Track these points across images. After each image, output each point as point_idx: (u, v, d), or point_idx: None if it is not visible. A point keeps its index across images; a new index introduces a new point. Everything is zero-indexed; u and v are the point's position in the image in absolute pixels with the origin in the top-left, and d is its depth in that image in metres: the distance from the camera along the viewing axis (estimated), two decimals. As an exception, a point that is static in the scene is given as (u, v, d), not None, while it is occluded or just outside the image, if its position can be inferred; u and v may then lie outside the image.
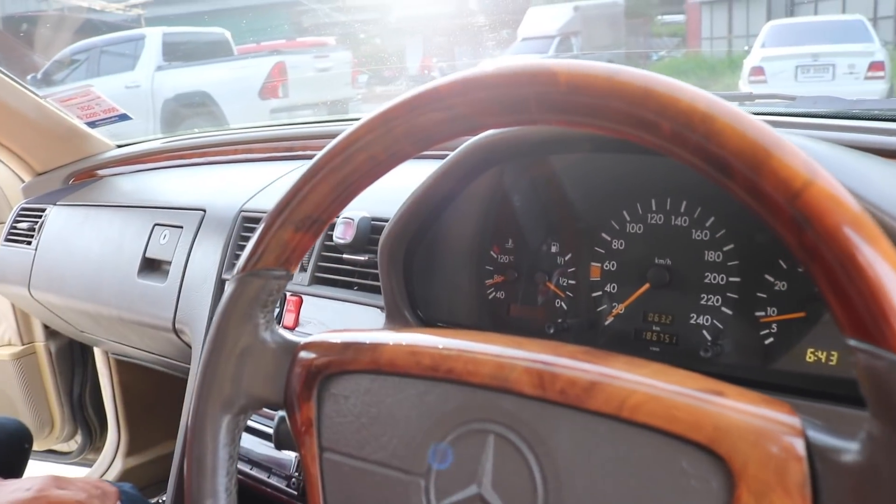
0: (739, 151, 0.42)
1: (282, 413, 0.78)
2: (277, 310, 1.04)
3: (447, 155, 0.84)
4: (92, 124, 1.78)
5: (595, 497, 0.47)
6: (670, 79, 0.46)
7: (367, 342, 0.58)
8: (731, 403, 0.45)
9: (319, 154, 0.58)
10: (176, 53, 9.37)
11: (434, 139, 0.55)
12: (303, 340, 0.62)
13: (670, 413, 0.45)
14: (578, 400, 0.48)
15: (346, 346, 0.59)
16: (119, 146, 1.84)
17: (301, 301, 1.04)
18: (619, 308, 0.81)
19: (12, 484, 1.05)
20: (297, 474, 0.94)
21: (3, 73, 1.61)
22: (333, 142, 0.58)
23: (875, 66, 7.58)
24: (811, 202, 0.40)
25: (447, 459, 0.53)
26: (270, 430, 0.99)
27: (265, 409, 1.00)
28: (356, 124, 0.57)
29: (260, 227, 0.62)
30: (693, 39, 15.89)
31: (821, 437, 0.43)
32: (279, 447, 0.76)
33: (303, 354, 0.61)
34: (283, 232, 0.60)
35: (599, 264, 0.83)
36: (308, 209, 0.59)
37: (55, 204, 1.65)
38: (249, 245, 0.62)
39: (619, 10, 14.28)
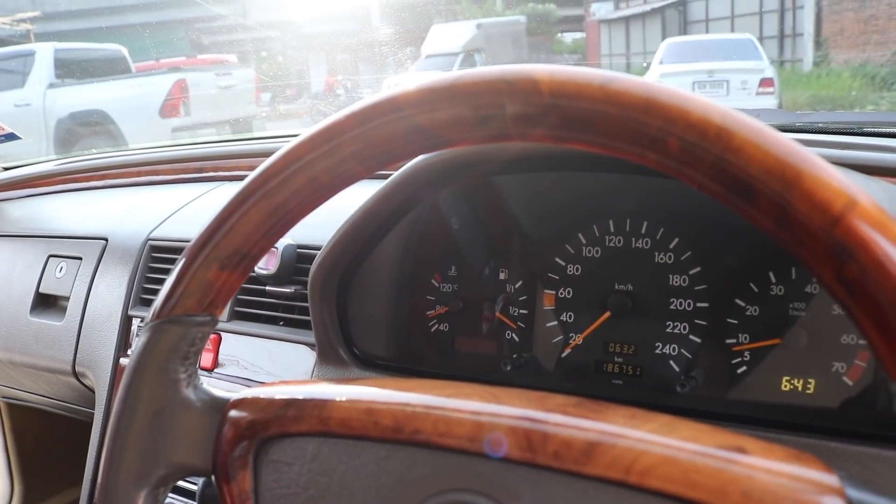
0: (764, 171, 0.36)
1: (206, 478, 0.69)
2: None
3: (387, 176, 0.76)
4: (-25, 145, 1.62)
5: (598, 580, 0.40)
6: (674, 87, 0.40)
7: (313, 398, 0.49)
8: (759, 462, 0.38)
9: (250, 177, 0.50)
10: (69, 70, 9.03)
11: (389, 158, 0.47)
12: (233, 396, 0.53)
13: (688, 477, 0.38)
14: (576, 464, 0.40)
15: (288, 404, 0.50)
16: (6, 168, 1.68)
17: (220, 339, 0.93)
18: (578, 339, 0.75)
19: None
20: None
21: None
22: (267, 162, 0.49)
23: (765, 82, 7.91)
24: (854, 229, 0.34)
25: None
26: (193, 488, 0.89)
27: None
28: (295, 141, 0.48)
29: (178, 266, 0.52)
30: (593, 56, 16.29)
31: (862, 497, 0.37)
32: (204, 514, 0.66)
33: (234, 413, 0.52)
34: (205, 270, 0.51)
35: (554, 291, 0.76)
36: (235, 243, 0.50)
37: (-67, 233, 1.49)
38: (166, 287, 0.52)
39: (520, 27, 14.50)
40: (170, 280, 0.52)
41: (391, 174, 0.75)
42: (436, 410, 0.45)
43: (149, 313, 0.52)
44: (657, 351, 0.72)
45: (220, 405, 0.53)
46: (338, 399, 0.48)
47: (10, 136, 1.62)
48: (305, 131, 0.48)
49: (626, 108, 0.38)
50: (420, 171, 0.74)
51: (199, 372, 0.55)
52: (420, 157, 0.74)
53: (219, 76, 10.06)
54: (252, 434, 0.50)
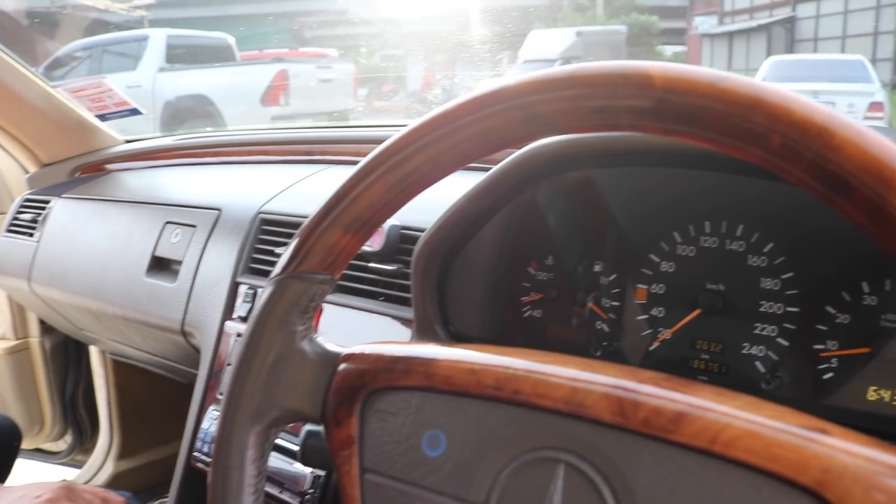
0: (862, 169, 0.38)
1: (309, 427, 0.74)
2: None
3: (489, 168, 0.80)
4: (102, 117, 1.74)
5: (679, 539, 0.43)
6: (780, 88, 0.42)
7: (420, 356, 0.53)
8: (840, 444, 0.40)
9: (376, 151, 0.54)
10: (179, 56, 9.36)
11: (506, 142, 0.51)
12: (345, 350, 0.58)
13: (771, 451, 0.41)
14: (664, 431, 0.43)
15: (396, 360, 0.54)
16: (128, 141, 1.79)
17: (321, 309, 0.99)
18: (666, 333, 0.77)
19: (20, 489, 1.01)
20: (311, 491, 0.90)
21: (14, 60, 1.57)
22: (392, 139, 0.54)
23: (874, 106, 7.63)
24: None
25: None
26: (285, 443, 0.95)
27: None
28: (419, 121, 0.53)
29: (304, 227, 0.57)
30: (693, 70, 15.96)
31: None
32: (305, 463, 0.71)
33: (345, 366, 0.57)
34: (330, 233, 0.56)
35: (646, 286, 0.79)
36: (359, 210, 0.55)
37: (60, 196, 1.60)
38: (291, 246, 0.58)
39: (620, 37, 14.37)
40: (295, 240, 0.57)
41: (490, 167, 0.79)
42: (535, 374, 0.48)
43: (276, 269, 0.58)
44: (744, 351, 0.73)
45: (333, 358, 0.58)
46: (443, 358, 0.52)
47: (134, 111, 1.73)
48: (430, 113, 0.53)
49: (734, 105, 0.41)
50: (526, 162, 0.77)
51: (322, 339, 0.60)
52: (527, 148, 0.78)
53: (319, 69, 10.27)
54: (361, 385, 0.55)
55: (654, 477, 0.44)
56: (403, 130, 0.53)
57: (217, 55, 9.98)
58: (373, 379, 0.55)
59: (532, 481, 0.47)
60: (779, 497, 0.41)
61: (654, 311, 0.78)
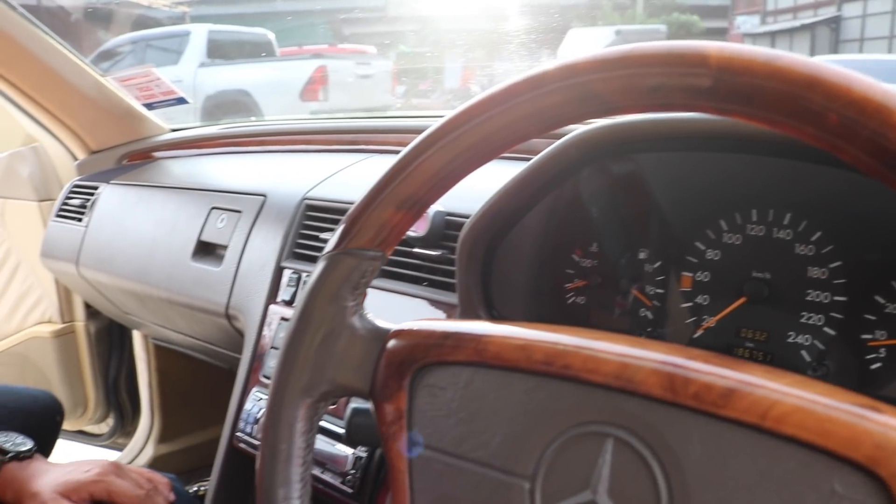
0: None
1: (355, 405, 0.75)
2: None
3: (530, 157, 0.81)
4: (149, 106, 1.77)
5: (727, 513, 0.43)
6: (837, 66, 0.42)
7: (470, 332, 0.54)
8: (893, 421, 0.40)
9: (430, 129, 0.55)
10: (220, 51, 9.46)
11: (560, 121, 0.51)
12: (395, 327, 0.59)
13: (822, 426, 0.41)
14: (714, 406, 0.44)
15: (446, 336, 0.55)
16: (174, 130, 1.83)
17: (365, 293, 1.00)
18: (711, 321, 0.77)
19: (69, 465, 1.04)
20: (353, 472, 0.91)
21: (67, 49, 1.60)
22: (445, 118, 0.54)
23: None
24: None
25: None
26: (327, 425, 0.96)
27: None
28: (474, 100, 0.53)
29: (357, 204, 0.58)
30: (735, 70, 15.78)
31: None
32: (351, 442, 0.73)
33: (395, 342, 0.58)
34: (382, 211, 0.57)
35: (691, 274, 0.79)
36: (411, 188, 0.56)
37: (108, 182, 1.63)
38: (343, 222, 0.59)
39: (660, 36, 14.25)
40: (348, 217, 0.58)
41: (531, 157, 0.79)
42: (585, 350, 0.49)
43: (328, 245, 0.59)
44: (789, 340, 0.73)
45: (382, 334, 0.59)
46: (493, 334, 0.53)
47: (181, 100, 1.76)
48: (483, 93, 0.53)
49: (790, 84, 0.41)
50: (571, 148, 0.78)
51: (372, 315, 0.61)
52: (573, 134, 0.78)
53: (358, 65, 10.30)
54: (411, 360, 0.56)
55: (703, 452, 0.44)
56: (457, 109, 0.54)
57: (257, 50, 10.07)
58: (423, 354, 0.56)
59: (580, 455, 0.48)
60: (830, 473, 0.41)
61: (699, 299, 0.78)
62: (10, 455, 1.04)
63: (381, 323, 0.60)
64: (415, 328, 0.57)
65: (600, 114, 0.50)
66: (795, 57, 0.43)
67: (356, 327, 0.59)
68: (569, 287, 0.86)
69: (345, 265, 0.58)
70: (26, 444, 1.06)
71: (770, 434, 0.42)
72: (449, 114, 0.54)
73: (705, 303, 0.78)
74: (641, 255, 0.82)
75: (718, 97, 0.44)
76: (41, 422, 1.23)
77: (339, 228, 0.59)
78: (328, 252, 0.59)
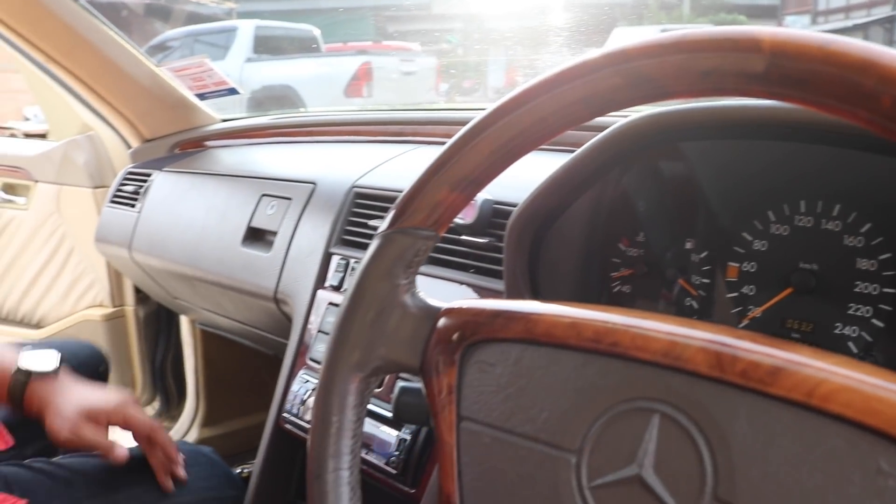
0: None
1: (403, 384, 0.77)
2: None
3: (576, 149, 0.82)
4: (201, 96, 1.81)
5: (772, 489, 0.44)
6: (889, 48, 0.43)
7: (521, 310, 0.56)
8: (941, 401, 0.41)
9: (484, 113, 0.57)
10: (266, 47, 9.56)
11: (613, 105, 0.52)
12: (446, 305, 0.60)
13: (869, 405, 0.42)
14: (761, 384, 0.44)
15: (497, 314, 0.56)
16: (224, 120, 1.86)
17: (417, 271, 1.02)
18: (756, 311, 0.78)
19: (91, 391, 1.11)
20: (397, 453, 0.93)
21: (124, 40, 1.65)
22: (500, 101, 0.56)
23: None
24: None
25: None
26: (374, 407, 0.98)
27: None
28: (528, 84, 0.54)
29: (411, 185, 0.60)
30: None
31: None
32: (398, 419, 0.74)
33: (445, 320, 0.59)
34: (436, 191, 0.59)
35: (738, 264, 0.79)
36: (465, 169, 0.58)
37: (161, 170, 1.67)
38: (399, 202, 0.60)
39: (708, 36, 14.03)
40: (403, 196, 0.60)
41: (574, 150, 0.80)
42: (634, 328, 0.50)
43: (383, 224, 0.61)
44: (836, 331, 0.73)
45: (434, 312, 0.60)
46: (544, 312, 0.54)
47: (232, 91, 1.79)
48: (539, 76, 0.55)
49: (843, 68, 0.42)
50: (619, 136, 0.79)
51: (423, 294, 0.62)
52: (621, 122, 0.79)
53: (402, 62, 10.33)
54: (461, 337, 0.57)
55: (749, 428, 0.45)
56: (511, 93, 0.55)
57: (303, 46, 10.15)
58: (473, 331, 0.57)
59: (626, 431, 0.49)
60: (876, 451, 0.41)
61: (745, 289, 0.79)
62: (36, 373, 1.10)
63: (433, 301, 0.61)
64: (465, 306, 0.59)
65: (652, 98, 0.51)
66: (849, 40, 0.43)
67: (408, 305, 0.61)
68: (614, 276, 0.86)
69: (399, 243, 0.60)
70: (52, 363, 1.12)
71: (816, 412, 0.43)
72: (503, 97, 0.56)
73: (751, 293, 0.78)
74: (688, 245, 0.82)
75: (771, 81, 0.45)
76: (86, 373, 1.28)
77: (394, 208, 0.61)
78: (383, 231, 0.61)
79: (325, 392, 0.61)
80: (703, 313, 0.81)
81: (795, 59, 0.43)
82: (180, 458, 1.12)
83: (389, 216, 0.61)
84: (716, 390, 0.46)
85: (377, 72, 9.54)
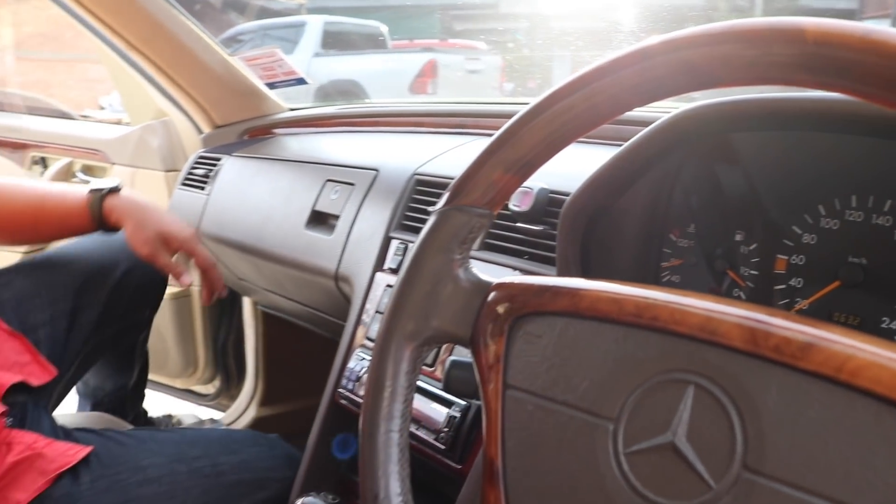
0: None
1: (454, 358, 0.80)
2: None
3: (620, 144, 0.84)
4: (271, 85, 1.87)
5: (800, 459, 0.46)
6: None
7: (567, 286, 0.58)
8: (968, 380, 0.43)
9: (538, 98, 0.59)
10: (334, 42, 9.67)
11: (662, 92, 0.55)
12: (496, 280, 0.63)
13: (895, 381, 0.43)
14: (793, 358, 0.47)
15: (544, 289, 0.59)
16: (291, 109, 1.92)
17: (471, 247, 1.06)
18: (803, 304, 0.79)
19: (164, 213, 1.31)
20: (446, 430, 0.96)
21: (200, 29, 1.71)
22: (555, 87, 0.59)
23: None
24: None
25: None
26: (424, 384, 1.02)
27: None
28: (582, 71, 0.57)
29: (469, 165, 0.63)
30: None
31: None
32: (448, 391, 0.78)
33: (496, 294, 0.62)
34: (492, 171, 0.62)
35: (786, 257, 0.80)
36: (521, 151, 0.61)
37: (230, 155, 1.73)
38: (456, 180, 0.64)
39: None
40: (460, 176, 0.63)
41: (621, 143, 0.83)
42: (673, 304, 0.52)
43: (440, 201, 0.64)
44: (883, 325, 0.74)
45: (485, 286, 0.63)
46: (588, 288, 0.57)
47: (301, 81, 1.85)
48: (592, 64, 0.57)
49: (885, 57, 0.44)
50: (672, 126, 0.80)
51: (475, 269, 0.66)
52: (674, 113, 0.81)
53: (467, 60, 10.35)
54: (510, 310, 0.60)
55: (780, 401, 0.47)
56: (567, 79, 0.58)
57: (370, 42, 10.25)
58: (522, 304, 0.60)
59: (662, 401, 0.51)
60: None
61: (793, 282, 0.80)
62: (107, 189, 1.27)
63: (485, 276, 0.64)
64: (515, 281, 0.62)
65: (700, 86, 0.53)
66: (890, 30, 0.45)
67: (461, 279, 0.64)
68: (664, 266, 0.88)
69: (455, 220, 0.63)
70: (116, 181, 1.29)
71: (845, 386, 0.45)
72: (557, 84, 0.59)
73: (799, 286, 0.80)
74: (737, 237, 0.84)
75: (815, 70, 0.47)
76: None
77: (451, 187, 0.64)
78: (440, 208, 0.64)
79: (381, 358, 0.65)
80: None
81: (838, 48, 0.45)
82: (225, 291, 1.36)
83: (447, 194, 0.64)
84: (749, 364, 0.48)
85: (442, 69, 9.58)
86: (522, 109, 0.61)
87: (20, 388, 1.11)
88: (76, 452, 1.06)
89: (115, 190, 1.29)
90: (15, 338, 1.18)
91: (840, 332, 0.47)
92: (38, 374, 1.17)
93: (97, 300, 1.33)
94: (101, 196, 1.27)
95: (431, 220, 0.64)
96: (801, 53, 0.47)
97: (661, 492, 0.50)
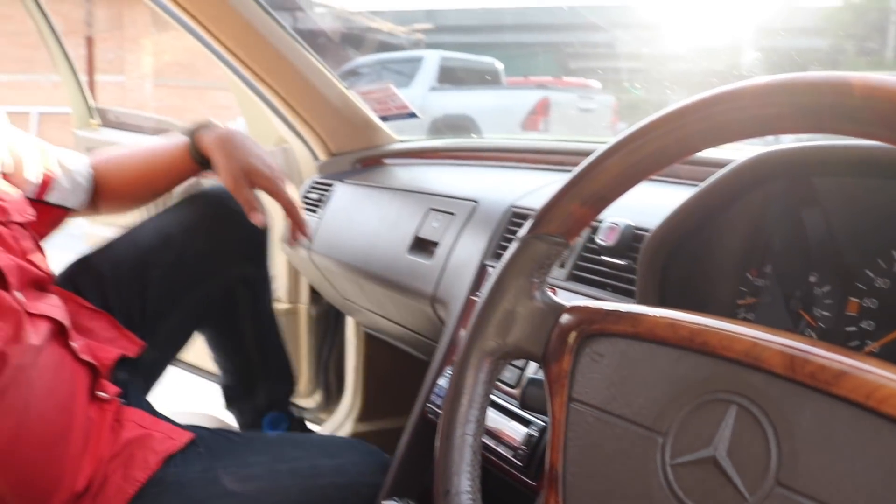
0: None
1: (531, 376, 0.87)
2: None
3: (695, 184, 0.88)
4: (383, 118, 1.98)
5: (829, 478, 0.50)
6: None
7: (630, 311, 0.64)
8: None
9: (616, 139, 0.66)
10: (449, 77, 9.88)
11: (725, 138, 0.61)
12: (568, 303, 0.70)
13: None
14: (826, 385, 0.51)
15: (609, 313, 0.65)
16: (402, 141, 2.03)
17: (555, 292, 1.11)
18: (874, 346, 0.81)
19: (259, 150, 1.37)
20: (524, 447, 1.02)
21: (320, 63, 1.84)
22: (631, 129, 0.65)
23: None
24: None
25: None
26: (503, 402, 1.08)
27: (502, 385, 1.09)
28: (655, 116, 0.64)
29: (550, 197, 0.70)
30: None
31: None
32: (524, 406, 0.84)
33: (567, 315, 0.69)
34: (570, 204, 0.69)
35: (859, 300, 0.83)
36: (596, 186, 0.67)
37: (342, 181, 1.85)
38: (537, 211, 0.71)
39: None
40: (541, 208, 0.70)
41: (695, 183, 0.87)
42: (723, 330, 0.58)
43: (522, 230, 0.71)
44: (951, 370, 0.76)
45: (558, 308, 0.70)
46: (648, 313, 0.63)
47: (412, 115, 1.96)
48: (664, 110, 0.64)
49: None
50: (750, 168, 0.85)
51: (550, 292, 0.72)
52: (752, 154, 0.85)
53: (581, 99, 10.37)
54: (579, 331, 0.67)
55: (813, 423, 0.52)
56: (641, 123, 0.65)
57: (484, 78, 10.41)
58: (589, 326, 0.66)
59: (707, 418, 0.57)
60: None
61: (864, 324, 0.83)
62: (198, 125, 1.35)
63: (558, 299, 0.71)
64: (584, 305, 0.68)
65: (759, 134, 0.59)
66: None
67: (537, 300, 0.71)
68: (740, 303, 0.92)
69: (534, 247, 0.70)
70: (208, 122, 1.36)
71: (873, 413, 0.49)
72: (631, 127, 0.65)
73: (870, 328, 0.82)
74: (812, 278, 0.87)
75: (862, 122, 0.52)
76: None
77: (533, 217, 0.71)
78: (522, 236, 0.71)
79: (461, 369, 0.72)
80: (821, 344, 0.85)
81: (884, 101, 0.50)
82: (309, 231, 1.43)
83: (529, 223, 0.71)
84: (787, 388, 0.53)
85: (555, 107, 9.63)
86: (600, 148, 0.67)
87: (120, 365, 1.21)
88: (181, 435, 1.16)
89: (206, 126, 1.35)
90: (100, 315, 1.27)
91: (873, 363, 0.51)
92: (129, 348, 1.25)
93: (165, 268, 1.38)
94: (193, 135, 1.34)
95: (514, 246, 0.72)
96: (849, 106, 0.52)
97: (701, 501, 0.55)
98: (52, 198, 1.29)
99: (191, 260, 1.40)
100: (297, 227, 1.43)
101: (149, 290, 1.37)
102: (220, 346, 1.63)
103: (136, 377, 1.28)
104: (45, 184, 1.27)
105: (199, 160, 1.36)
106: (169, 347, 1.46)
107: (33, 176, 1.24)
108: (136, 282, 1.36)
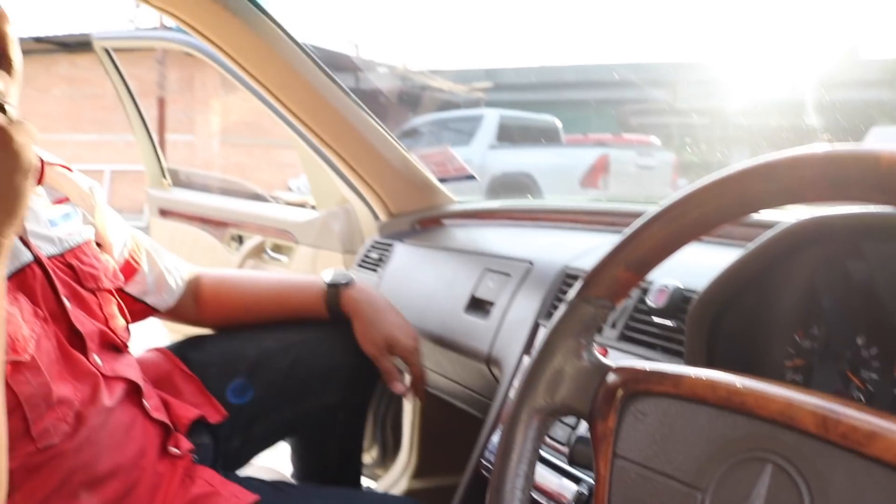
0: None
1: (579, 434, 0.90)
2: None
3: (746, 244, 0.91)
4: (442, 180, 2.05)
5: (861, 535, 0.52)
6: None
7: (672, 372, 0.68)
8: None
9: (659, 207, 0.70)
10: (508, 135, 10.00)
11: (759, 206, 0.64)
12: (615, 364, 0.73)
13: None
14: (858, 445, 0.54)
15: (652, 373, 0.69)
16: (460, 202, 2.09)
17: (606, 353, 1.15)
18: (921, 409, 0.83)
19: (399, 318, 1.44)
20: (573, 504, 1.04)
21: (380, 126, 1.92)
22: (673, 198, 0.69)
23: None
24: None
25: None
26: (553, 458, 1.11)
27: (554, 442, 1.12)
28: (694, 186, 0.68)
29: (597, 262, 0.74)
30: None
31: None
32: (572, 462, 0.87)
33: (613, 375, 0.72)
34: (615, 269, 0.73)
35: (905, 363, 0.85)
36: (641, 252, 0.71)
37: (402, 241, 1.91)
38: (585, 275, 0.75)
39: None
40: (589, 272, 0.74)
41: (743, 243, 0.90)
42: (759, 391, 0.61)
43: (570, 292, 0.75)
44: None
45: (604, 368, 0.73)
46: (689, 374, 0.66)
47: (470, 177, 2.02)
48: (699, 182, 0.67)
49: None
50: (796, 231, 0.87)
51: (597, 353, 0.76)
52: (800, 220, 0.88)
53: (640, 156, 10.37)
54: (624, 390, 0.70)
55: (846, 481, 0.54)
56: (679, 194, 0.68)
57: (543, 136, 10.51)
58: (633, 385, 0.69)
59: (744, 475, 0.59)
60: None
61: (911, 387, 0.84)
62: (342, 284, 1.41)
63: (605, 360, 0.74)
64: (630, 366, 0.72)
65: (791, 202, 0.62)
66: None
67: (584, 360, 0.74)
68: (787, 364, 0.94)
69: (582, 310, 0.74)
70: (350, 276, 1.43)
71: None
72: (671, 198, 0.69)
73: (918, 391, 0.83)
74: (859, 341, 0.89)
75: (890, 192, 0.55)
76: None
77: (581, 280, 0.75)
78: (570, 299, 0.75)
79: (512, 425, 0.76)
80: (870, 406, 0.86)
81: None
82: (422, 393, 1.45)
83: (577, 287, 0.75)
84: (821, 448, 0.56)
85: (614, 164, 9.65)
86: (645, 214, 0.71)
87: (201, 430, 1.27)
88: (246, 496, 1.21)
89: (349, 284, 1.41)
90: (192, 379, 1.33)
91: None
92: (212, 414, 1.31)
93: (274, 374, 1.40)
94: (337, 290, 1.40)
95: (563, 308, 0.76)
96: (877, 177, 0.55)
97: (739, 556, 0.58)
98: (132, 289, 1.32)
99: (302, 374, 1.43)
100: (414, 392, 1.48)
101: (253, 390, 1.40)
102: (302, 456, 1.66)
103: (217, 442, 1.34)
104: (128, 273, 1.30)
105: (336, 314, 1.41)
106: (252, 444, 1.47)
107: (117, 254, 1.28)
108: (242, 375, 1.40)
